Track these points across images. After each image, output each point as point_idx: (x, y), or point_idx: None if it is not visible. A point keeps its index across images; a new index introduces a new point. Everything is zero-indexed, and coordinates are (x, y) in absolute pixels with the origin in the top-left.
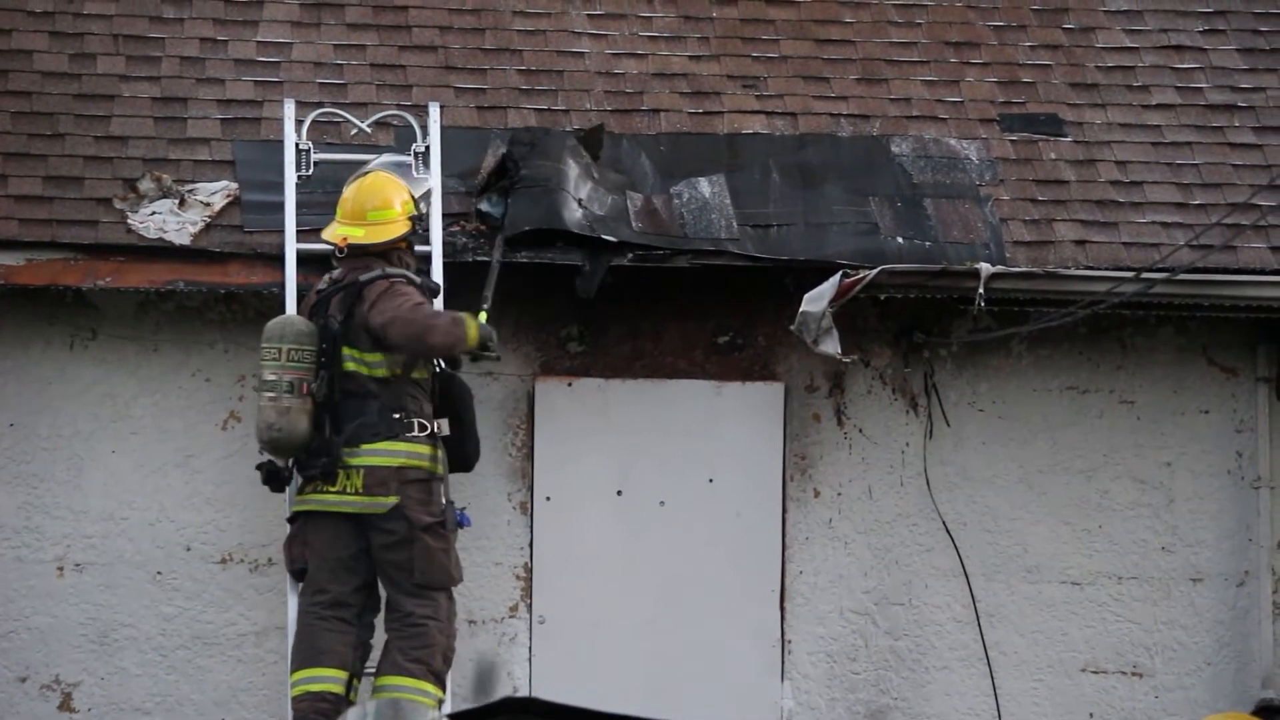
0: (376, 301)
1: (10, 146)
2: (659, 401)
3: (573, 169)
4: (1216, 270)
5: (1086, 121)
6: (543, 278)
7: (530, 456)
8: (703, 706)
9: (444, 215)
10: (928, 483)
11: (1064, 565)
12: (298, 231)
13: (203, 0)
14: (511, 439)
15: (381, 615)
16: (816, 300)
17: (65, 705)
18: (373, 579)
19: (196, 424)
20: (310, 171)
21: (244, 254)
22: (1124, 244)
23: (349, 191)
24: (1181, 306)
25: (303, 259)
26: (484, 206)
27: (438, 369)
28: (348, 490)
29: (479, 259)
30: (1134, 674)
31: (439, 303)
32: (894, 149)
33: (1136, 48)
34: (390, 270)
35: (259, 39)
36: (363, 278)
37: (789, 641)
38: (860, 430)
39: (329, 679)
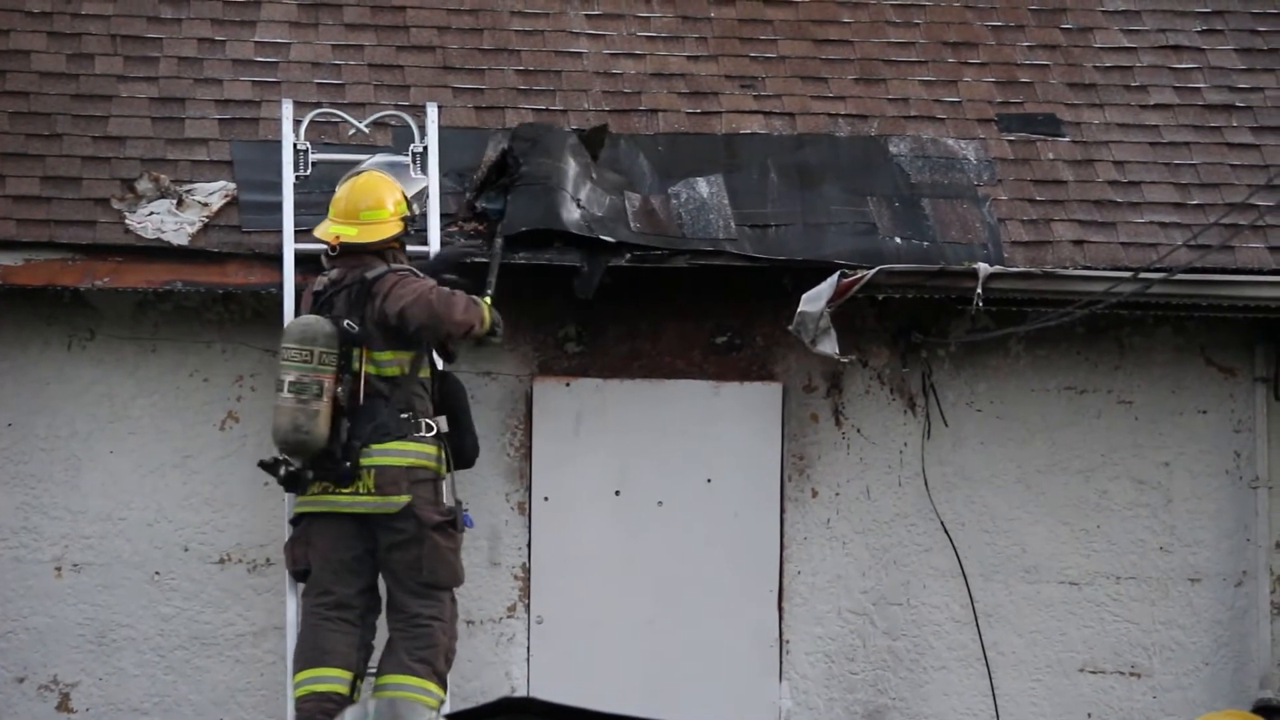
0: (390, 292)
1: (8, 146)
2: (657, 402)
3: (572, 168)
4: (1214, 270)
5: (1084, 121)
6: (541, 278)
7: (528, 456)
8: (701, 706)
9: (442, 215)
10: (926, 483)
11: (1062, 565)
12: (296, 231)
13: (200, 0)
14: (509, 439)
15: (382, 616)
16: (814, 300)
17: (63, 705)
18: (375, 580)
19: (194, 424)
20: (308, 172)
21: (242, 254)
22: (1122, 244)
23: (342, 191)
24: (1179, 306)
25: (301, 259)
26: (483, 203)
27: (435, 368)
28: (360, 491)
29: (477, 261)
30: (1132, 674)
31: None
32: (892, 149)
33: (1134, 48)
34: (395, 265)
35: (257, 39)
36: (369, 275)
37: (787, 641)
38: (858, 430)
39: (334, 679)
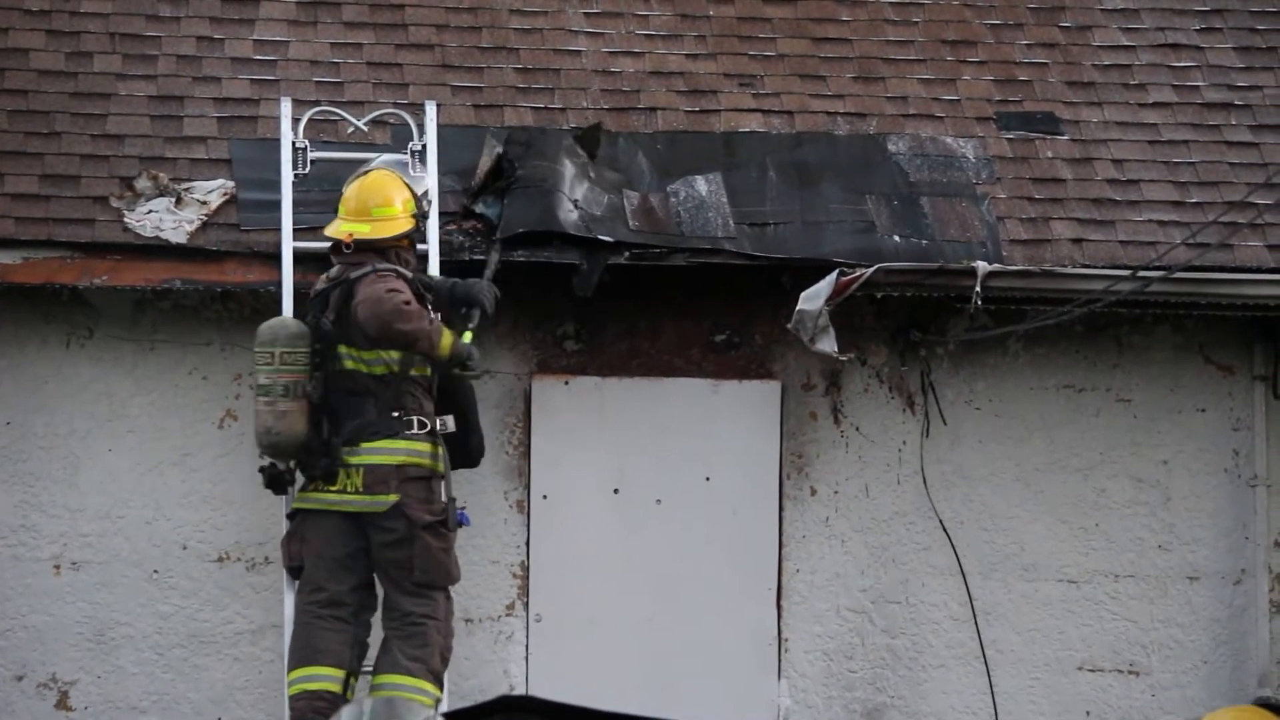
0: (359, 289)
1: (7, 145)
2: (656, 400)
3: (568, 169)
4: (1213, 269)
5: (1083, 120)
6: (540, 276)
7: (527, 455)
8: (699, 705)
9: (441, 214)
10: (924, 481)
11: (1061, 563)
12: (294, 230)
13: None
14: (508, 437)
15: (378, 614)
16: (813, 299)
17: (62, 703)
18: (370, 578)
19: (193, 423)
20: (307, 170)
21: (240, 252)
22: (1121, 242)
23: (351, 190)
24: (1178, 305)
25: (300, 257)
26: (479, 209)
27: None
28: (348, 489)
29: (475, 257)
30: (1130, 672)
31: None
32: (891, 147)
33: (1133, 46)
34: (380, 265)
35: (255, 37)
36: (353, 274)
37: (786, 640)
38: (857, 428)
39: (326, 678)
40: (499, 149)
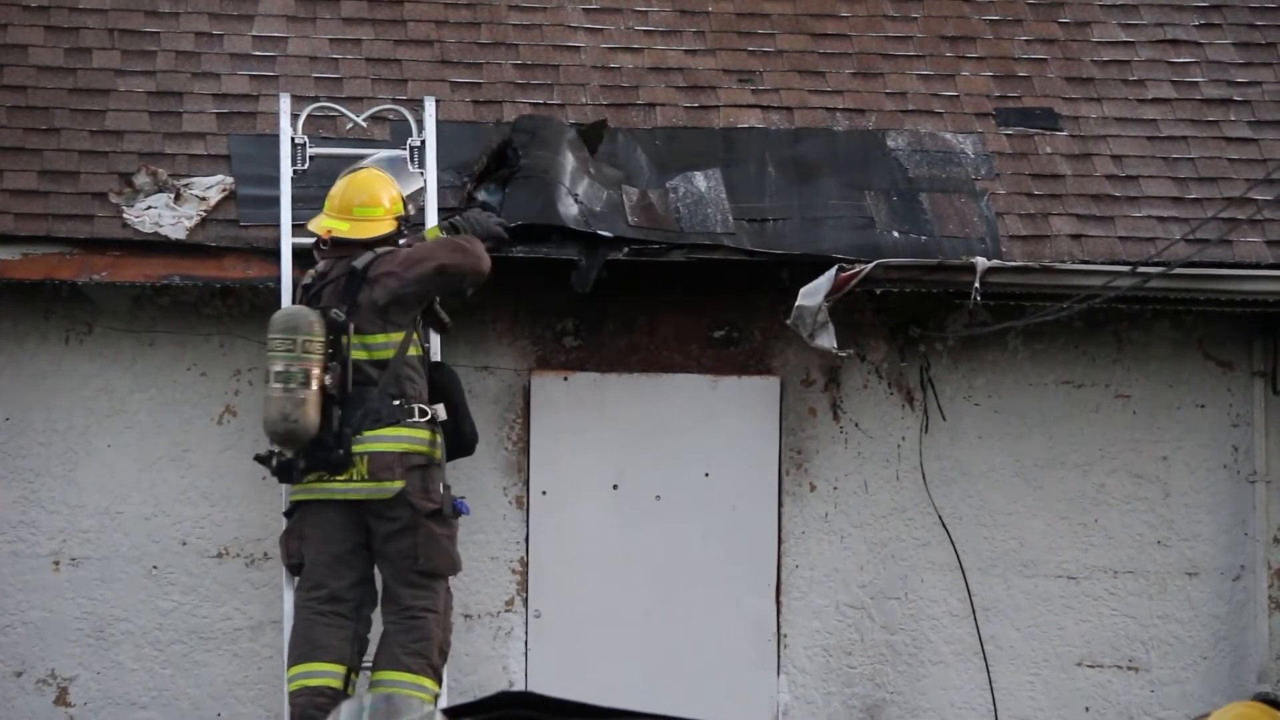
0: (379, 266)
1: (5, 141)
2: (655, 396)
3: (569, 162)
4: (1212, 265)
5: (1082, 116)
6: (538, 272)
7: (526, 451)
8: (699, 700)
9: (439, 209)
10: (924, 477)
11: (1060, 559)
12: (294, 226)
13: None
14: (507, 433)
15: (378, 609)
16: (812, 294)
17: (61, 699)
18: (370, 573)
19: (192, 418)
20: (306, 166)
21: (240, 248)
22: (1120, 238)
23: (338, 186)
24: (1177, 301)
25: (299, 253)
26: (481, 195)
27: (426, 347)
28: (354, 477)
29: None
30: (1130, 668)
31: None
32: (890, 143)
33: (1132, 42)
34: (381, 251)
35: (254, 33)
36: (357, 264)
37: (785, 635)
38: (856, 424)
39: (326, 674)
40: (506, 134)
